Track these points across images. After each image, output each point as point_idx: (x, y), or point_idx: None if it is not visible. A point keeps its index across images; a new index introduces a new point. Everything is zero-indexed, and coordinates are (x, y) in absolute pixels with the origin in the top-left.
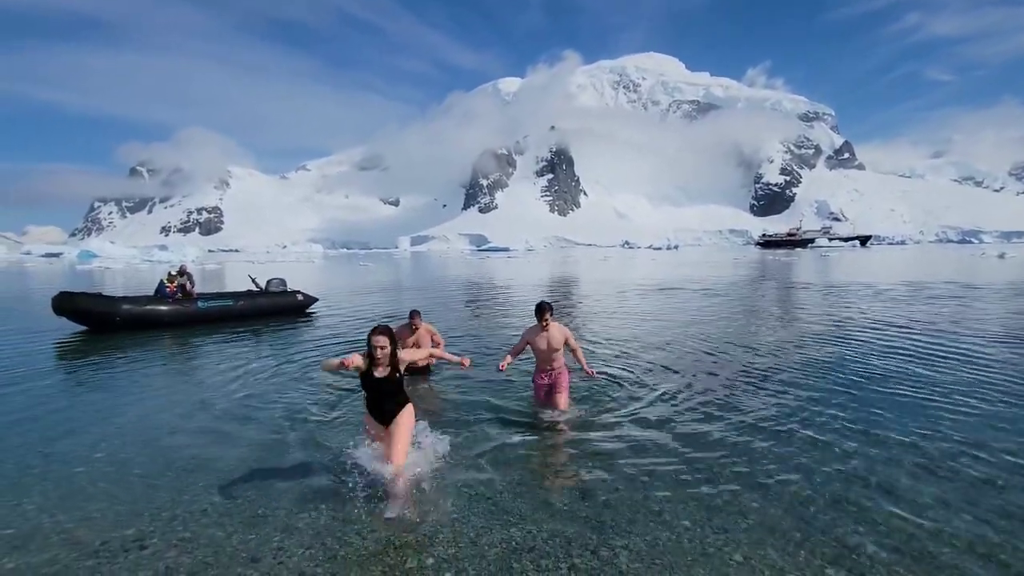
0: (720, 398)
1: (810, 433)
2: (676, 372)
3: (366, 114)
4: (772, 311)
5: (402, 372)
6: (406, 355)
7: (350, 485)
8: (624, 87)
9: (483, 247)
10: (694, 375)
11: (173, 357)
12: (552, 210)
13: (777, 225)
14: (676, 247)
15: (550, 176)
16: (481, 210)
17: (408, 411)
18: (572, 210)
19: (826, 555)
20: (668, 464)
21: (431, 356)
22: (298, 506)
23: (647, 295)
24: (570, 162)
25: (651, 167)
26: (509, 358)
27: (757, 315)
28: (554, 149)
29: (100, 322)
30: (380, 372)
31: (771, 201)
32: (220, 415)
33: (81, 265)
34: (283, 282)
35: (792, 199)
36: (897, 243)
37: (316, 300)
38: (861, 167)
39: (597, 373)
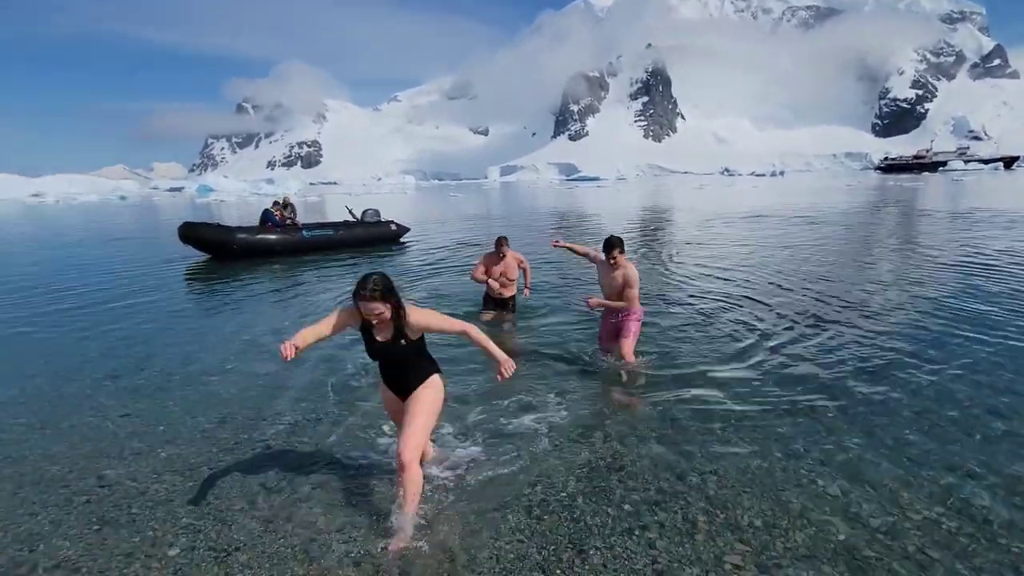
0: (820, 333)
1: (921, 376)
2: (771, 307)
3: (455, 40)
4: (887, 242)
5: (413, 338)
6: (423, 318)
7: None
8: None
9: (572, 176)
10: (792, 310)
11: (284, 283)
12: (646, 136)
13: (903, 147)
14: (782, 173)
15: (645, 99)
16: (571, 137)
17: (432, 385)
18: (668, 135)
19: (932, 497)
20: (763, 395)
21: (465, 334)
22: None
23: (742, 225)
24: (667, 83)
25: (758, 85)
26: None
27: (869, 246)
28: (650, 69)
29: (219, 250)
30: (382, 335)
31: (897, 119)
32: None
33: (200, 198)
34: (377, 213)
35: (923, 116)
36: None
37: (408, 229)
38: (1015, 75)
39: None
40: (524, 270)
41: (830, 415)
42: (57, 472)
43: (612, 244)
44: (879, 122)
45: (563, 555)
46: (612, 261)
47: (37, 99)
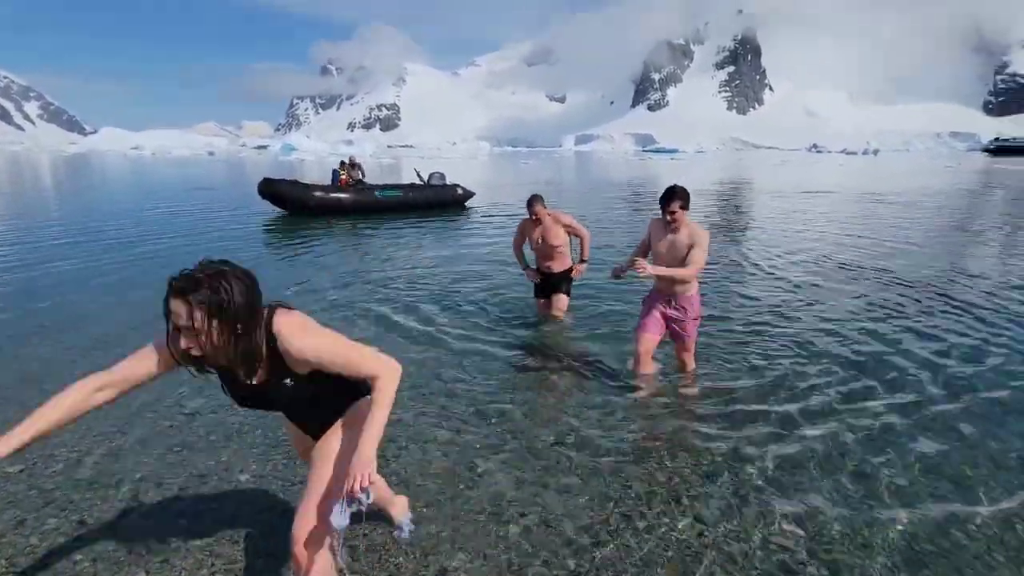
0: (917, 338)
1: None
2: (849, 307)
3: (538, 1)
4: (989, 235)
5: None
6: (308, 346)
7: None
8: None
9: (648, 147)
10: (872, 313)
11: (357, 239)
12: (730, 108)
13: (1020, 127)
14: (875, 152)
15: (731, 69)
16: (650, 107)
17: (337, 433)
18: (753, 108)
19: (1010, 494)
20: (833, 386)
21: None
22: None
23: (814, 204)
24: (756, 52)
25: (858, 56)
26: (623, 266)
27: (967, 236)
28: (739, 37)
29: (296, 206)
30: (255, 375)
31: (1016, 97)
32: (406, 288)
33: (283, 157)
34: (443, 176)
35: None
36: None
37: (473, 194)
38: None
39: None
40: (580, 238)
41: (906, 410)
42: (145, 399)
43: (672, 194)
44: (993, 99)
45: (610, 519)
46: (671, 217)
47: (138, 58)
